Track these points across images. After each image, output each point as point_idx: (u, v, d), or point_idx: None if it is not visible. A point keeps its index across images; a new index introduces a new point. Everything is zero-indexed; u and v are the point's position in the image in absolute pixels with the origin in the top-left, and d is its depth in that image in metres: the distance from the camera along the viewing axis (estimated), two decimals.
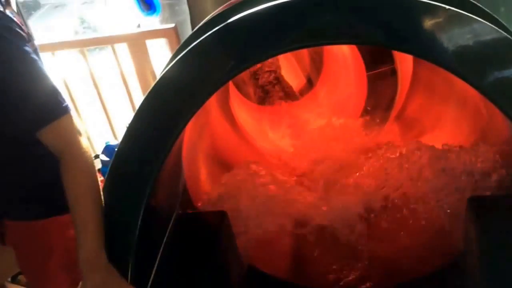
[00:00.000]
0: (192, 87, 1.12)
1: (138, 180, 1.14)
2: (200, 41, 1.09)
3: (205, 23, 1.55)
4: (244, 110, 2.79)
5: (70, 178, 1.07)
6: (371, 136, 2.35)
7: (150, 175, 1.13)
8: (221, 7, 1.59)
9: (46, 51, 1.82)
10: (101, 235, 1.09)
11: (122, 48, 1.80)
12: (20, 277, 2.09)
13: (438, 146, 1.81)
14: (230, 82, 2.49)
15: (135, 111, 1.14)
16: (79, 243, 1.07)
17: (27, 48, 1.03)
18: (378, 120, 2.47)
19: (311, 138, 2.56)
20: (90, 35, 1.87)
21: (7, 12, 1.06)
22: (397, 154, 1.89)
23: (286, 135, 2.64)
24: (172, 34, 1.69)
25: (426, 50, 0.86)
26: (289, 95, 3.18)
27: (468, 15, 0.84)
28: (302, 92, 3.20)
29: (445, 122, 1.82)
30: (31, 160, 1.14)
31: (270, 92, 3.19)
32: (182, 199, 1.47)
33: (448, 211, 1.53)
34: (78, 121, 1.11)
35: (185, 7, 1.93)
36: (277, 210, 1.73)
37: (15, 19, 1.06)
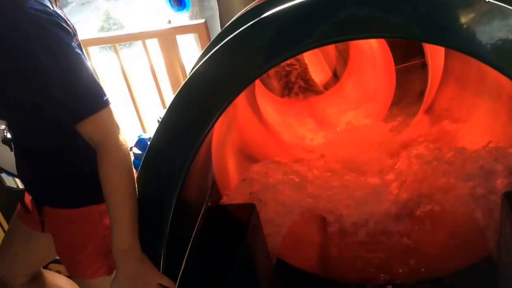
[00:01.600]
0: (225, 82, 1.12)
1: (171, 173, 1.15)
2: (233, 36, 1.09)
3: (237, 19, 1.56)
4: (269, 104, 2.80)
5: (107, 171, 1.09)
6: (400, 130, 2.34)
7: (182, 168, 1.15)
8: (253, 3, 1.60)
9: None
10: (135, 227, 1.11)
11: (152, 44, 1.83)
12: (51, 265, 2.16)
13: (471, 138, 1.80)
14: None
15: (169, 105, 1.15)
16: (114, 233, 1.10)
17: (72, 43, 1.06)
18: (407, 114, 2.46)
19: (337, 132, 2.56)
20: (120, 31, 1.90)
21: (55, 8, 1.09)
22: (428, 150, 1.88)
23: (311, 129, 2.64)
24: (202, 29, 1.70)
25: (464, 43, 0.86)
26: (314, 88, 3.18)
27: (508, 8, 0.83)
28: (328, 86, 3.19)
29: (478, 115, 1.80)
30: (71, 151, 1.18)
31: (294, 86, 3.19)
32: (211, 192, 1.49)
33: (482, 206, 1.51)
34: (117, 116, 1.13)
35: (213, 3, 1.94)
36: (304, 202, 1.74)
37: (62, 15, 1.09)
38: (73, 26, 1.15)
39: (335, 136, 2.53)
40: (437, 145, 1.91)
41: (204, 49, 1.59)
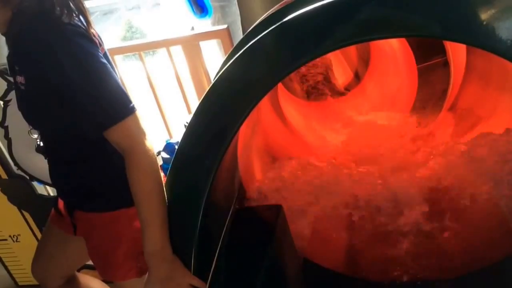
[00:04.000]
0: (248, 86, 1.15)
1: (199, 176, 1.18)
2: (256, 40, 1.12)
3: (259, 24, 1.59)
4: (291, 106, 2.81)
5: (135, 177, 1.13)
6: (424, 129, 2.33)
7: (210, 170, 1.18)
8: (274, 7, 1.63)
9: None
10: (166, 230, 1.14)
11: (175, 51, 1.87)
12: (83, 271, 2.21)
13: (496, 135, 1.79)
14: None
15: (194, 110, 1.19)
16: (145, 236, 1.13)
17: (97, 53, 1.10)
18: (430, 112, 2.45)
19: (361, 133, 2.56)
20: (145, 39, 1.95)
21: (81, 18, 1.13)
22: (453, 146, 1.88)
23: (334, 131, 2.65)
24: (225, 35, 1.74)
25: (484, 40, 0.87)
26: (336, 91, 3.18)
27: None
28: (350, 87, 3.20)
29: (502, 111, 1.79)
30: (101, 157, 1.22)
31: (316, 88, 3.20)
32: (238, 194, 1.52)
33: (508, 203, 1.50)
34: (144, 122, 1.16)
35: (235, 9, 1.97)
36: (330, 199, 1.76)
37: (86, 25, 1.14)
38: (98, 36, 1.20)
39: (358, 135, 2.53)
40: (462, 142, 1.91)
41: (227, 54, 1.63)
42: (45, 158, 1.38)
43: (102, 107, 1.10)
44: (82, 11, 1.15)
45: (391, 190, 1.85)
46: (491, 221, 1.57)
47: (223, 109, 1.18)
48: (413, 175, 1.91)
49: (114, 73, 1.13)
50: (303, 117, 2.78)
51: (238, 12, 1.92)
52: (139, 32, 7.61)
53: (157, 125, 2.16)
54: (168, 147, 1.63)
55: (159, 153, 1.63)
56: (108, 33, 7.90)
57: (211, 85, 1.19)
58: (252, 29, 1.56)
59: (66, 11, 1.10)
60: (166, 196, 1.17)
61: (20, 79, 1.15)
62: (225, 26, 1.74)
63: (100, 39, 1.21)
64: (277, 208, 1.48)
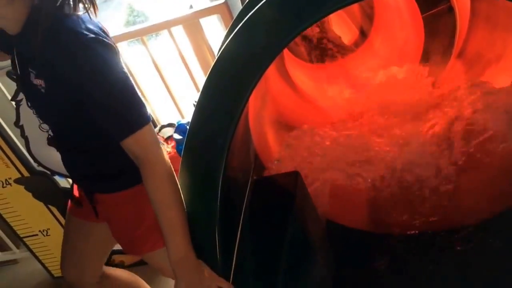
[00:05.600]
0: (252, 57, 1.15)
1: (213, 153, 1.20)
2: (255, 10, 1.12)
3: None
4: (300, 71, 2.80)
5: (153, 185, 1.13)
6: (434, 79, 2.31)
7: (223, 146, 1.19)
8: None
9: None
10: (188, 236, 1.15)
11: (178, 31, 1.87)
12: (115, 256, 2.27)
13: (505, 79, 1.77)
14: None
15: (202, 87, 1.20)
16: (168, 245, 1.14)
17: (116, 62, 1.10)
18: (440, 61, 2.42)
19: (372, 89, 2.55)
20: (145, 23, 1.94)
21: (99, 24, 1.14)
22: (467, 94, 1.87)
23: (345, 90, 2.64)
24: (224, 9, 1.73)
25: None
26: (343, 49, 3.15)
27: None
28: (357, 45, 3.16)
29: (511, 53, 1.76)
30: (114, 144, 1.23)
31: (323, 50, 3.17)
32: (255, 166, 1.54)
33: None
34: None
35: None
36: (348, 160, 1.77)
37: (101, 27, 1.14)
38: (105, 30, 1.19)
39: (370, 94, 2.52)
40: (475, 89, 1.89)
41: (228, 28, 1.62)
42: (57, 150, 1.39)
43: (119, 118, 1.11)
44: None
45: (406, 142, 1.85)
46: (505, 170, 1.58)
47: (228, 85, 1.19)
48: (428, 126, 1.92)
49: (131, 82, 1.13)
50: (313, 81, 2.77)
51: None
52: (142, 15, 7.58)
53: (169, 107, 2.17)
54: (180, 128, 1.65)
55: (168, 137, 1.66)
56: (111, 20, 7.89)
57: (214, 62, 1.19)
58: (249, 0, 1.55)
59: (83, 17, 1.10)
60: (182, 178, 1.19)
61: (39, 81, 1.15)
62: (223, 0, 1.73)
63: (106, 31, 1.21)
64: (295, 174, 1.50)
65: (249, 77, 1.17)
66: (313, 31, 3.17)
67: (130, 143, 1.12)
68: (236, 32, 1.16)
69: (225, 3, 1.72)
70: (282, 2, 1.12)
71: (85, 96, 1.09)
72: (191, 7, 1.91)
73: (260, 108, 1.75)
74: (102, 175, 1.32)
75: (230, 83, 1.18)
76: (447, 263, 1.57)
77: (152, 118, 2.02)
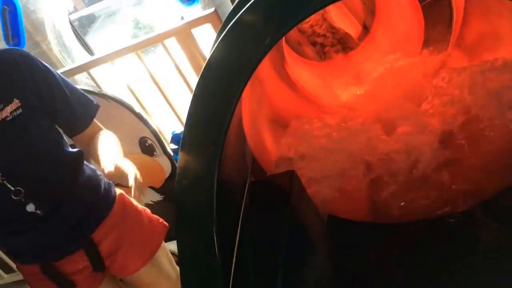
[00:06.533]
0: (238, 61, 1.23)
1: (205, 162, 1.28)
2: (240, 14, 1.19)
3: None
4: (305, 70, 2.87)
5: (106, 134, 1.40)
6: (435, 67, 2.34)
7: (215, 155, 1.26)
8: None
9: (105, 62, 2.02)
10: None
11: (171, 43, 1.94)
12: None
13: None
14: (285, 46, 2.58)
15: (192, 96, 1.27)
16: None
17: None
18: (439, 50, 2.45)
19: (376, 83, 2.59)
20: (138, 38, 2.02)
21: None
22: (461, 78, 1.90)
23: (350, 85, 2.69)
24: (215, 17, 1.80)
25: None
26: (347, 44, 3.20)
27: None
28: (361, 39, 3.20)
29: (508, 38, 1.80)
30: (84, 155, 1.45)
31: (328, 47, 3.22)
32: (253, 169, 1.60)
33: None
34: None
35: None
36: (348, 154, 1.82)
37: None
38: None
39: (374, 85, 2.56)
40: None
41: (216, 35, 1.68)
42: (41, 214, 1.33)
43: (85, 108, 1.38)
44: None
45: (408, 125, 1.90)
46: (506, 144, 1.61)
47: (217, 90, 1.26)
48: (430, 105, 1.96)
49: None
50: (319, 79, 2.82)
51: None
52: (148, 27, 7.70)
53: (170, 118, 2.25)
54: (175, 138, 1.72)
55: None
56: (117, 33, 8.04)
57: (200, 72, 1.26)
58: (235, 6, 1.60)
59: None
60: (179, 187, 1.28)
61: (10, 108, 1.22)
62: (212, 9, 1.80)
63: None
64: (290, 174, 1.56)
65: (236, 82, 1.24)
66: (317, 28, 3.22)
67: (94, 125, 1.39)
68: (223, 36, 1.23)
69: (215, 11, 1.79)
70: (261, 6, 1.17)
71: (56, 98, 1.30)
72: (182, 18, 1.98)
73: (256, 111, 1.81)
74: (95, 195, 1.42)
75: (218, 89, 1.26)
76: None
77: (158, 129, 2.12)
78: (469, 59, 2.13)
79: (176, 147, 1.67)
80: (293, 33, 3.12)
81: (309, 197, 1.60)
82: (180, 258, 1.28)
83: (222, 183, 1.29)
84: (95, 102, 1.43)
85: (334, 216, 1.72)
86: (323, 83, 2.79)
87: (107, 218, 1.44)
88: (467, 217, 1.59)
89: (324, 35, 3.33)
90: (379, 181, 1.78)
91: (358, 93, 2.56)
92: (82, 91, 1.42)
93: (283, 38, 2.52)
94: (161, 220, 1.56)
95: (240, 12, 1.20)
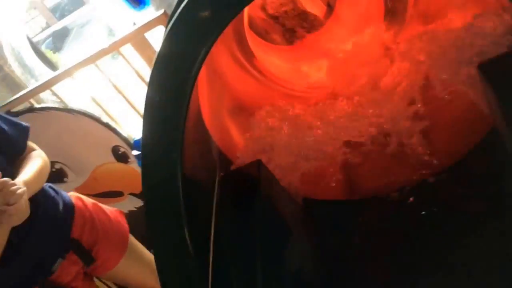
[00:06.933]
0: (184, 54, 1.24)
1: (167, 164, 1.30)
2: (181, 9, 1.19)
3: None
4: (274, 56, 2.87)
5: (36, 159, 1.50)
6: (394, 37, 2.36)
7: (175, 157, 1.28)
8: None
9: (68, 76, 2.03)
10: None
11: (128, 50, 1.96)
12: None
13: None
14: (251, 36, 2.58)
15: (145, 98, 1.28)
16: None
17: None
18: (399, 22, 2.47)
19: (341, 60, 2.60)
20: (95, 48, 2.03)
21: None
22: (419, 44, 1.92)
23: (318, 65, 2.70)
24: (164, 19, 1.81)
25: None
26: (314, 24, 3.20)
27: None
28: (326, 18, 3.21)
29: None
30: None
31: (296, 29, 3.22)
32: (221, 163, 1.62)
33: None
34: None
35: None
36: (317, 137, 1.84)
37: None
38: None
39: (339, 63, 2.57)
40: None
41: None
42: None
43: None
44: None
45: (371, 100, 1.92)
46: (465, 104, 1.63)
47: (165, 92, 1.29)
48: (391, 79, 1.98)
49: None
50: (289, 62, 2.83)
51: None
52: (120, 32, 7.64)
53: (139, 124, 2.26)
54: (136, 144, 1.74)
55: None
56: (93, 42, 8.00)
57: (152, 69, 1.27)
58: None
59: None
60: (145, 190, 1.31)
61: None
62: (162, 11, 1.81)
63: None
64: (256, 163, 1.58)
65: (183, 80, 1.25)
66: (283, 10, 3.22)
67: (29, 146, 1.53)
68: (162, 41, 1.24)
69: (165, 13, 1.80)
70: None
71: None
72: (134, 24, 1.99)
73: (218, 104, 1.82)
74: (56, 204, 1.49)
75: (166, 89, 1.28)
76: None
77: (129, 136, 2.13)
78: (425, 25, 2.15)
79: (138, 152, 1.69)
80: (260, 22, 3.12)
81: (279, 184, 1.62)
82: (157, 263, 1.31)
83: (189, 182, 1.31)
84: (24, 124, 1.55)
85: (308, 198, 1.75)
86: (293, 67, 2.81)
87: (76, 215, 1.61)
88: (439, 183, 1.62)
89: (291, 17, 3.33)
90: (352, 157, 1.80)
91: (324, 72, 2.58)
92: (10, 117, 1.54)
93: (248, 28, 2.54)
94: (115, 208, 1.70)
95: (181, 6, 1.21)
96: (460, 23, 1.72)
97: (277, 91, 2.37)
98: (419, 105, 1.82)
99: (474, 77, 1.49)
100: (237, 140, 1.81)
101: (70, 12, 10.46)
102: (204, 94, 1.64)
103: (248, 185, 1.55)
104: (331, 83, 2.36)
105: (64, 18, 9.82)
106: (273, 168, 1.67)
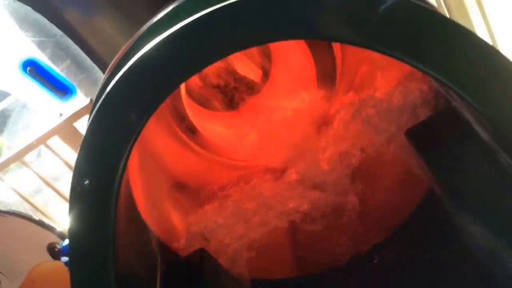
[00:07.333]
0: (107, 148, 1.16)
1: (96, 261, 1.19)
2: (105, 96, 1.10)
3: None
4: (217, 124, 2.84)
5: None
6: (327, 104, 2.39)
7: (106, 258, 1.19)
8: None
9: None
10: None
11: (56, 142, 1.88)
12: None
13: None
14: (190, 106, 2.56)
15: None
16: None
17: None
18: (330, 88, 2.51)
19: (277, 127, 2.60)
20: (19, 146, 1.94)
21: None
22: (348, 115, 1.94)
23: (254, 131, 2.68)
24: (90, 107, 1.76)
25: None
26: (253, 89, 3.23)
27: None
28: (264, 82, 3.25)
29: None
30: None
31: (235, 95, 3.24)
32: (163, 255, 1.53)
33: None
34: None
35: (100, 74, 1.98)
36: (263, 217, 1.79)
37: None
38: None
39: (276, 132, 2.56)
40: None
41: None
42: None
43: None
44: None
45: (315, 187, 1.90)
46: (399, 168, 1.64)
47: (87, 192, 1.19)
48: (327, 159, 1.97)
49: None
50: (232, 128, 2.81)
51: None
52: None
53: None
54: (65, 251, 1.63)
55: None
56: (33, 123, 7.77)
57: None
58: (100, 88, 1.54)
59: None
60: None
61: None
62: (87, 100, 1.76)
63: None
64: (199, 252, 1.51)
65: (108, 176, 1.17)
66: (221, 76, 3.24)
67: None
68: (88, 127, 1.17)
69: (91, 101, 1.75)
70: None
71: None
72: (60, 115, 1.93)
73: (154, 189, 1.75)
74: None
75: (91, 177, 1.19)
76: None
77: (66, 231, 2.01)
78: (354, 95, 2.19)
79: (68, 259, 1.58)
80: (199, 90, 3.12)
81: (224, 269, 1.55)
82: None
83: (127, 283, 1.22)
84: None
85: (256, 279, 1.68)
86: (235, 133, 2.78)
87: None
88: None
89: (230, 85, 3.35)
90: (296, 234, 1.77)
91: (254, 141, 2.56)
92: None
93: (187, 98, 2.52)
94: None
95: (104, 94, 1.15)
96: (388, 89, 1.76)
97: (220, 165, 2.33)
98: (355, 172, 1.83)
99: (406, 143, 1.52)
100: (178, 227, 1.73)
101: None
102: (137, 183, 1.57)
103: (192, 277, 1.47)
104: (264, 154, 2.35)
105: (2, 101, 9.58)
106: (216, 253, 1.61)
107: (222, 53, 1.09)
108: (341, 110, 2.10)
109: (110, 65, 1.61)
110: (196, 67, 1.10)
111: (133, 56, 1.11)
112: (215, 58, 1.10)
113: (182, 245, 1.67)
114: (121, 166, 1.19)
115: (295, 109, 2.67)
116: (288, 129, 2.51)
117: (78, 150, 1.18)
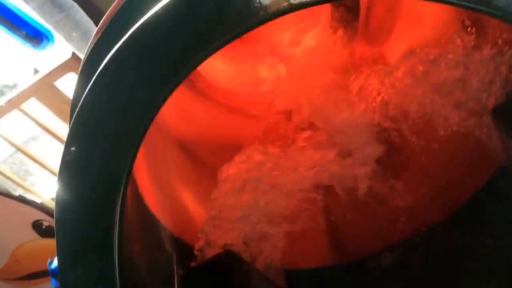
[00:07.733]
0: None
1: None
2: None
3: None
4: (219, 60, 2.51)
5: None
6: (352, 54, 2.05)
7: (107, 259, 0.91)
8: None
9: None
10: None
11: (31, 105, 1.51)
12: None
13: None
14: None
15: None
16: None
17: None
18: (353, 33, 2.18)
19: (294, 62, 2.28)
20: None
21: None
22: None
23: (270, 65, 2.38)
24: (73, 64, 1.37)
25: None
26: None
27: None
28: None
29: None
30: None
31: None
32: (179, 257, 1.24)
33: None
34: None
35: (80, 16, 1.56)
36: (286, 203, 1.50)
37: None
38: None
39: (293, 68, 2.25)
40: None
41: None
42: None
43: None
44: None
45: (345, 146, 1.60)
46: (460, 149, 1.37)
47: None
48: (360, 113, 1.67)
49: None
50: (236, 63, 2.49)
51: (86, 19, 1.51)
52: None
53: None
54: (54, 272, 1.33)
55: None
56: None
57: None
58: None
59: None
60: None
61: None
62: (69, 54, 1.37)
63: None
64: (226, 253, 1.23)
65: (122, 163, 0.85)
66: None
67: None
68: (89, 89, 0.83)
69: (72, 56, 1.36)
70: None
71: None
72: (36, 71, 1.53)
73: (161, 166, 1.43)
74: None
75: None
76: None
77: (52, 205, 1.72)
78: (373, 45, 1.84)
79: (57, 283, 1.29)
80: None
81: (258, 273, 1.29)
82: None
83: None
84: None
85: (291, 270, 1.43)
86: (238, 68, 2.46)
87: None
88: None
89: None
90: (330, 211, 1.50)
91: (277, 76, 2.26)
92: None
93: None
94: None
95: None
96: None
97: (229, 114, 2.01)
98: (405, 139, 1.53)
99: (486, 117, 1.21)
100: (196, 215, 1.43)
101: None
102: (141, 165, 1.26)
103: (218, 280, 1.21)
104: (285, 89, 2.03)
105: None
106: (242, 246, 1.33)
107: None
108: (375, 61, 1.77)
109: (109, 11, 1.23)
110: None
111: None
112: None
113: (201, 235, 1.39)
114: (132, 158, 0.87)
115: (305, 47, 2.34)
116: (302, 70, 2.20)
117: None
